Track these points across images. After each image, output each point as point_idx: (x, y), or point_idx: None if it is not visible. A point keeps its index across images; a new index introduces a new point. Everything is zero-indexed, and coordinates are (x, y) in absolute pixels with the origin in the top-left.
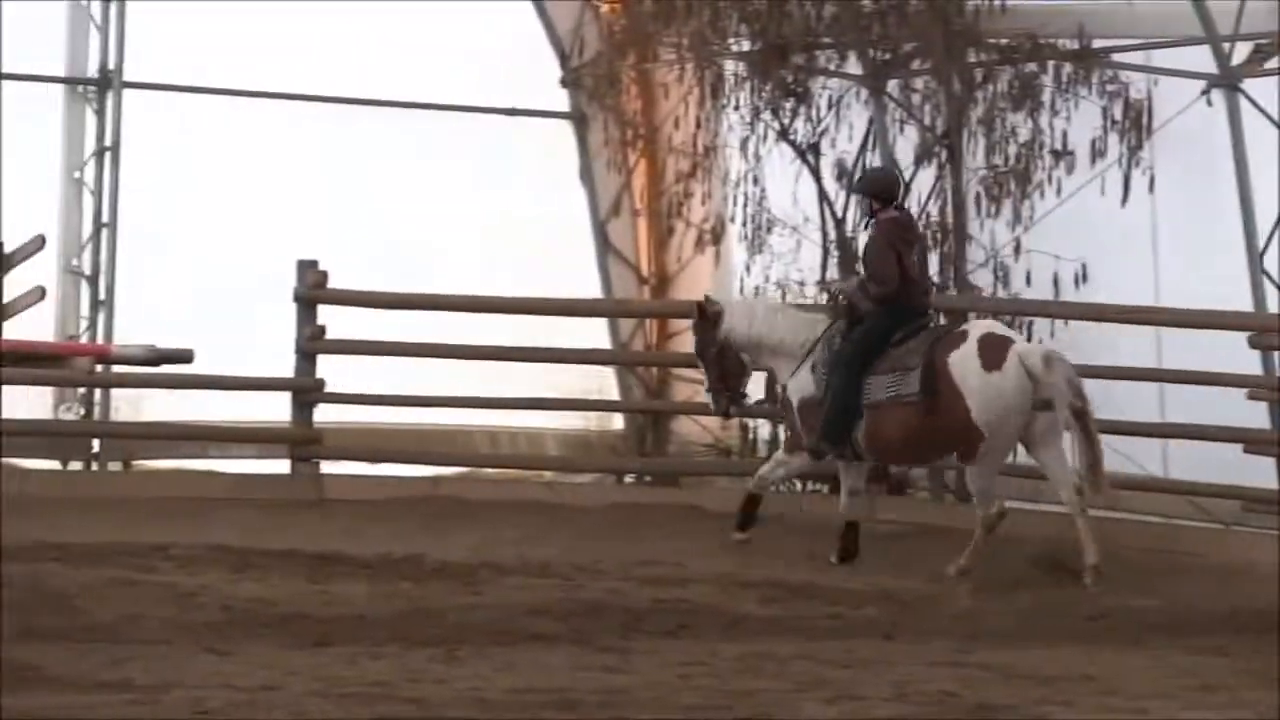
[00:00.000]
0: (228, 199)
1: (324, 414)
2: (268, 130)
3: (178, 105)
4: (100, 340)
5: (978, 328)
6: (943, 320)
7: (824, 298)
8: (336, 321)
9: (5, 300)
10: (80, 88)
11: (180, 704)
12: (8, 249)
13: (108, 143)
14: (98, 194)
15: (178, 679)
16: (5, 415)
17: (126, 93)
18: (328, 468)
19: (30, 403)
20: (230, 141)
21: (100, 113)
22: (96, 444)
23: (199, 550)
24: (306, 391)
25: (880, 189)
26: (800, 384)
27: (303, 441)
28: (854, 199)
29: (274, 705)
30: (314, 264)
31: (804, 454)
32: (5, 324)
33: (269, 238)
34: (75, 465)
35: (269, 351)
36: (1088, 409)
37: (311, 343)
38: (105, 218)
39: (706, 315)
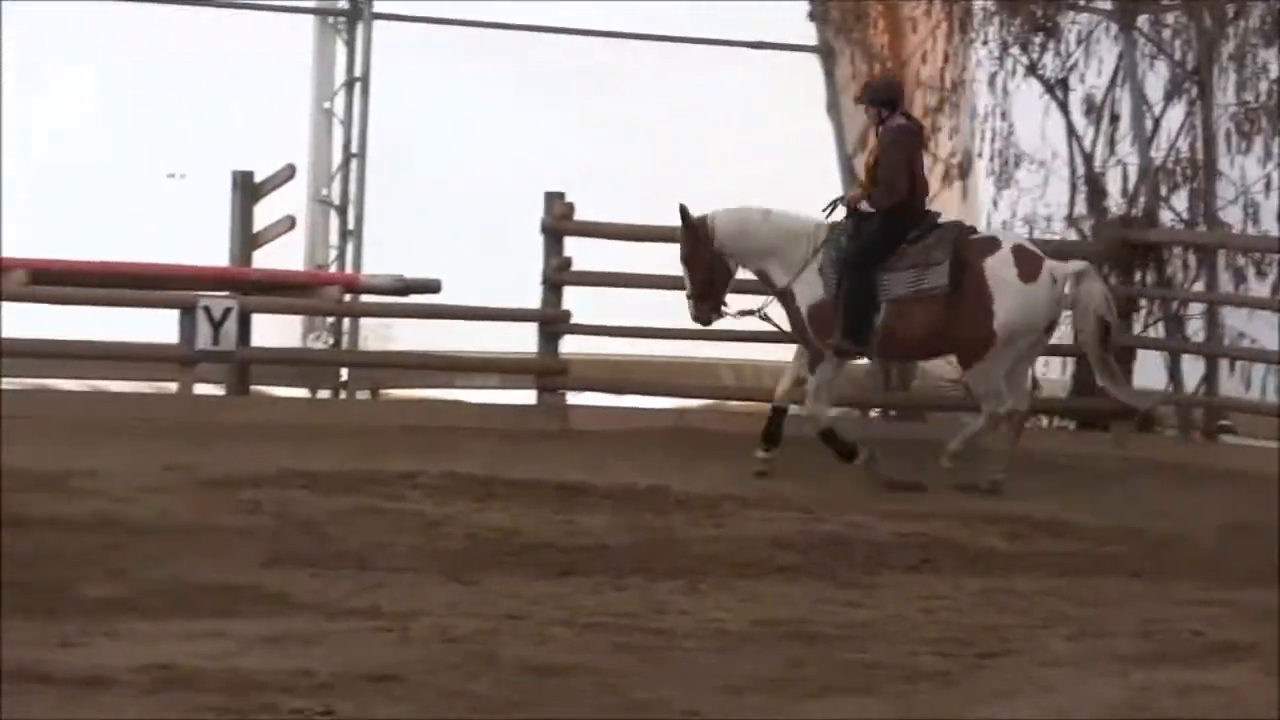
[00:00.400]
0: (475, 130)
1: (569, 345)
2: (513, 62)
3: (426, 36)
4: (349, 270)
5: (1006, 237)
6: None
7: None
8: (583, 253)
9: (256, 229)
10: (330, 18)
11: (427, 631)
12: (259, 178)
13: (357, 73)
14: (347, 124)
15: (424, 607)
16: (255, 344)
17: (376, 23)
18: (573, 399)
19: (280, 332)
20: (477, 73)
21: (350, 43)
22: (344, 373)
23: (445, 479)
24: (552, 322)
25: (888, 96)
26: (808, 287)
27: (548, 372)
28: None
29: (518, 634)
30: (560, 195)
31: (830, 365)
32: (255, 253)
33: (516, 169)
34: (323, 394)
35: (516, 282)
36: (1113, 327)
37: (558, 274)
38: (354, 148)
39: (694, 224)
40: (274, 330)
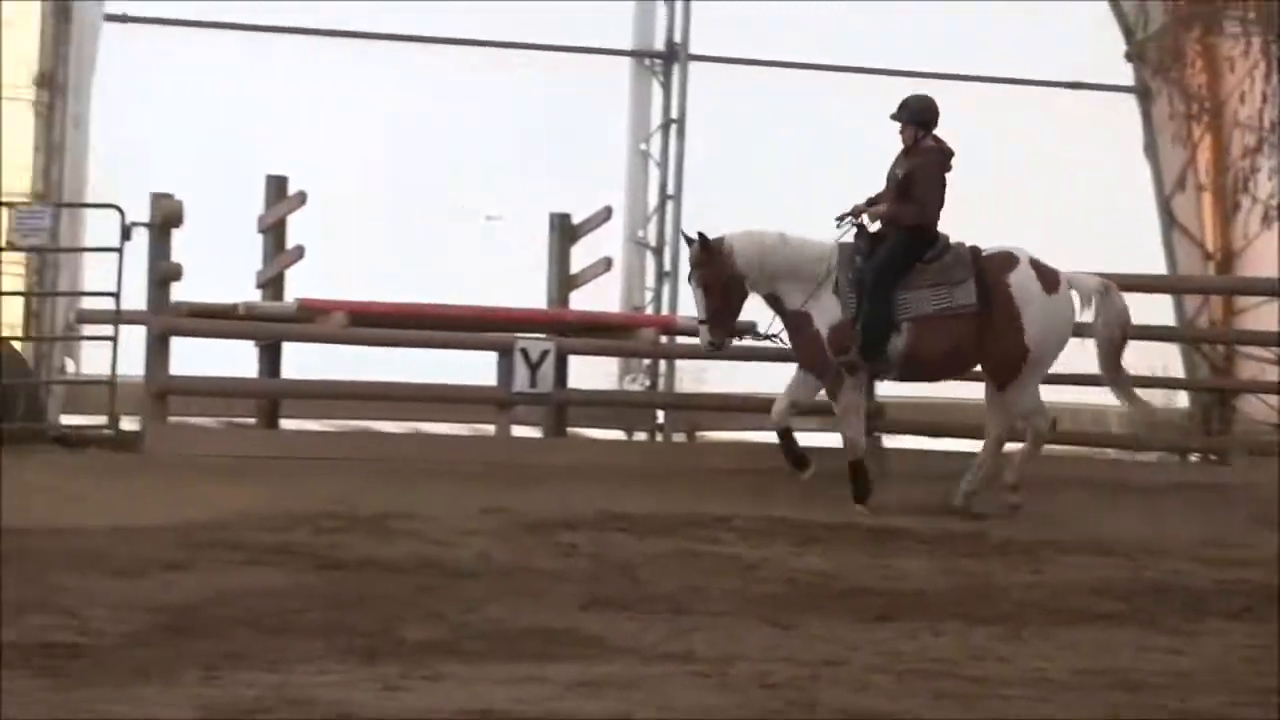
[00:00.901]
0: (789, 171)
1: (886, 388)
2: (827, 103)
3: (740, 78)
4: (665, 311)
5: (1019, 252)
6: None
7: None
8: None
9: (573, 271)
10: (647, 61)
11: (745, 677)
12: (576, 220)
13: (673, 115)
14: (663, 166)
15: (741, 651)
16: (572, 385)
17: (692, 65)
18: (889, 441)
19: (596, 373)
20: (789, 113)
21: (666, 85)
22: (660, 415)
23: (761, 522)
24: None
25: (926, 117)
26: (826, 309)
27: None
28: (902, 126)
29: (837, 680)
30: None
31: (850, 387)
32: (573, 294)
33: (830, 210)
34: (640, 436)
35: None
36: (1126, 342)
37: None
38: (670, 189)
39: (712, 247)
40: (590, 372)
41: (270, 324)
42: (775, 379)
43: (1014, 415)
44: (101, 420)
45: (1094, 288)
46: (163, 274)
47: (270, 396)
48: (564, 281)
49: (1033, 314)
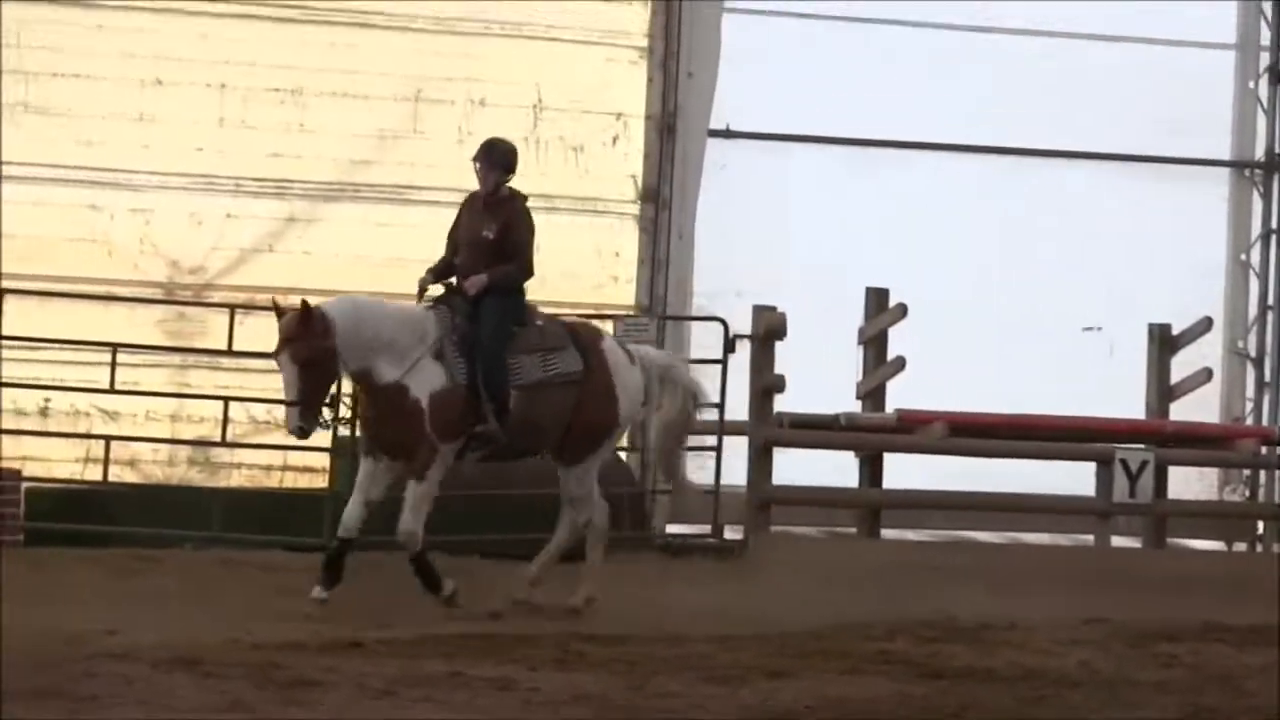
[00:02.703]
0: None
1: None
2: None
3: None
4: (1265, 422)
5: (578, 321)
6: None
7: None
8: None
9: (1173, 381)
10: (1246, 171)
11: None
12: (1176, 330)
13: (1273, 225)
14: (1263, 276)
15: None
16: (1172, 495)
17: None
18: None
19: (1195, 484)
20: None
21: (1266, 195)
22: (1260, 526)
23: None
24: None
25: (510, 162)
26: (427, 378)
27: None
28: (483, 170)
29: None
30: None
31: (439, 468)
32: (1172, 405)
33: None
34: (1240, 546)
35: None
36: (693, 421)
37: None
38: (1271, 300)
39: (315, 320)
40: (1190, 482)
41: (871, 435)
42: None
43: (582, 492)
44: (705, 529)
45: (663, 363)
46: (766, 385)
47: (871, 507)
48: (1163, 392)
49: (622, 385)
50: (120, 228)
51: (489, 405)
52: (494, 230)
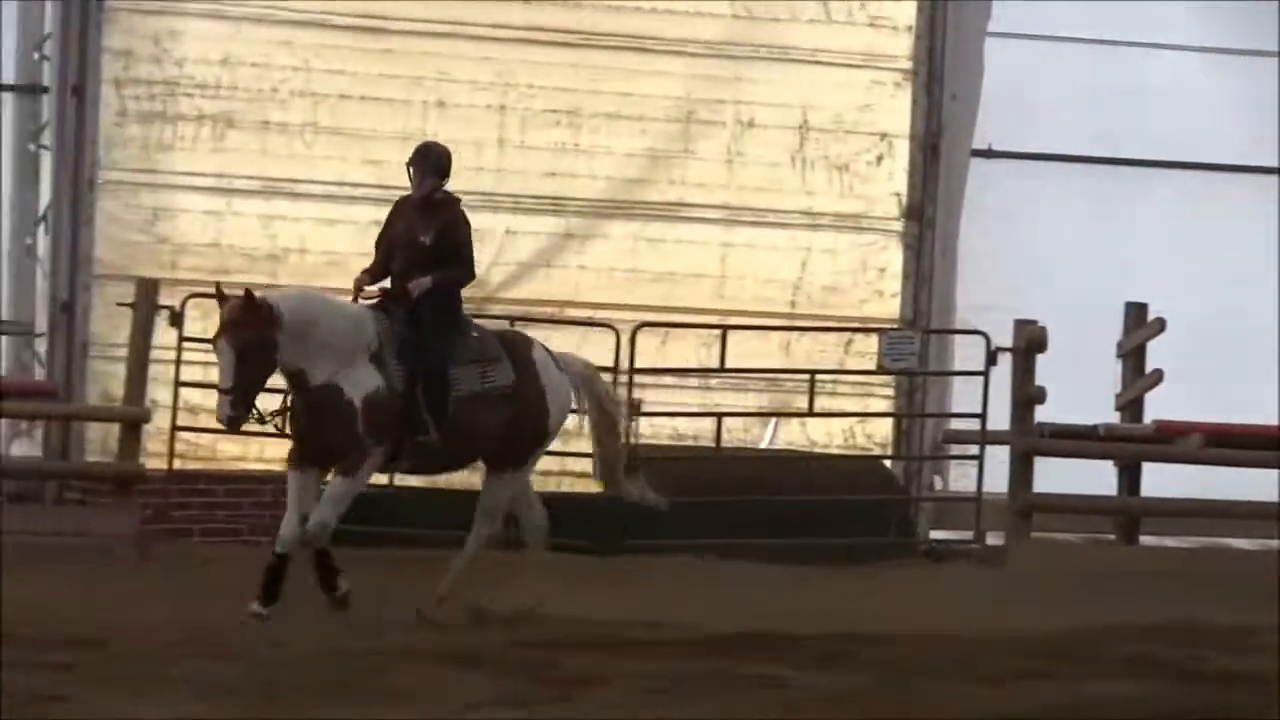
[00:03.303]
0: None
1: None
2: None
3: None
4: None
5: (510, 330)
6: None
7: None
8: None
9: None
10: None
11: None
12: None
13: None
14: None
15: None
16: None
17: None
18: None
19: None
20: None
21: None
22: None
23: None
24: None
25: (444, 165)
26: (361, 380)
27: None
28: (417, 175)
29: None
30: None
31: (369, 469)
32: None
33: None
34: None
35: None
36: (620, 420)
37: None
38: None
39: (260, 307)
40: None
41: (1129, 445)
42: None
43: (497, 504)
44: (967, 535)
45: (582, 371)
46: (1027, 397)
47: (1130, 515)
48: None
49: (553, 395)
50: None
51: (430, 416)
52: (431, 234)
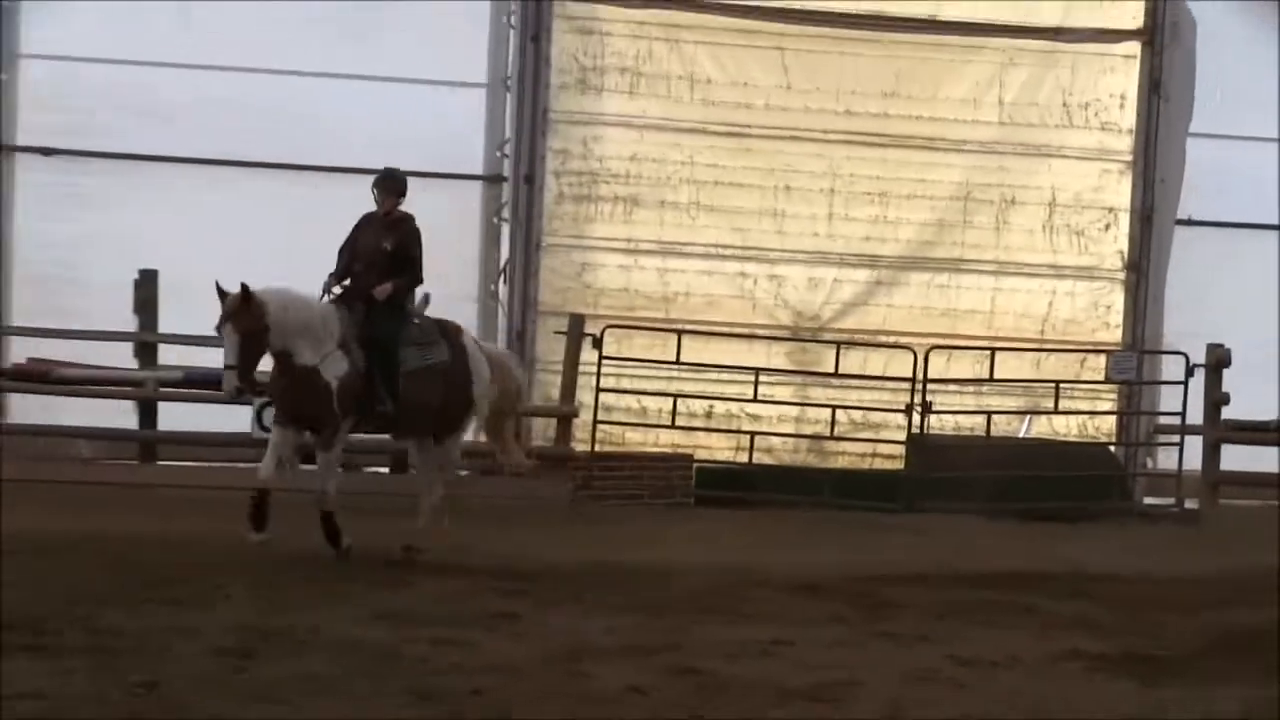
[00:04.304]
0: None
1: None
2: None
3: None
4: None
5: (444, 320)
6: None
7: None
8: None
9: None
10: None
11: None
12: None
13: None
14: None
15: None
16: None
17: None
18: None
19: None
20: None
21: None
22: None
23: None
24: None
25: (402, 188)
26: (335, 365)
27: None
28: (382, 196)
29: None
30: None
31: (342, 440)
32: None
33: None
34: None
35: None
36: (516, 410)
37: None
38: None
39: (252, 300)
40: None
41: None
42: None
43: (451, 467)
44: (1171, 502)
45: (498, 356)
46: (1215, 400)
47: None
48: None
49: (476, 372)
50: (761, 289)
51: (384, 389)
52: (390, 242)
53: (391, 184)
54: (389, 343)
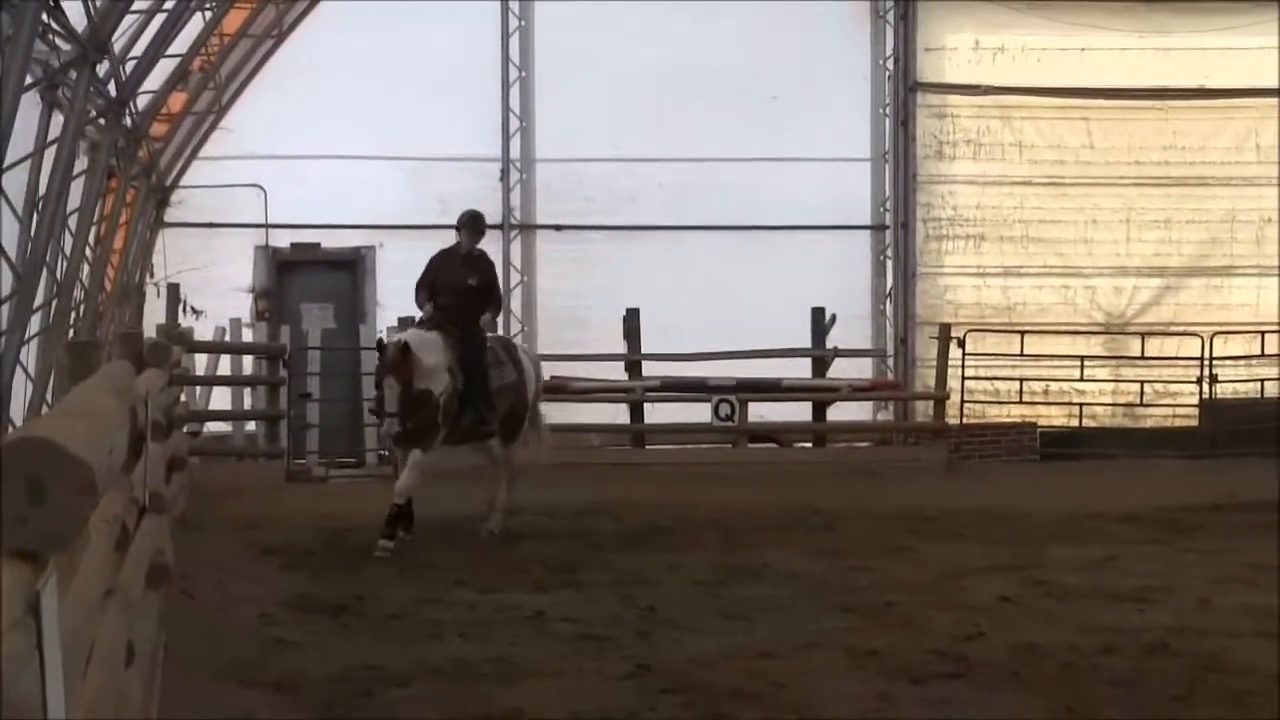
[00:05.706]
0: None
1: None
2: None
3: None
4: None
5: (504, 337)
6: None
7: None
8: None
9: None
10: None
11: None
12: None
13: None
14: None
15: None
16: None
17: None
18: None
19: None
20: None
21: None
22: None
23: None
24: None
25: (484, 228)
26: (440, 385)
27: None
28: (466, 236)
29: None
30: None
31: (438, 444)
32: None
33: None
34: None
35: None
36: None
37: None
38: None
39: (409, 355)
40: None
41: None
42: None
43: (515, 468)
44: None
45: (534, 359)
46: None
47: None
48: None
49: (530, 381)
50: (1079, 297)
51: (485, 407)
52: (476, 279)
53: (477, 225)
54: (483, 367)
